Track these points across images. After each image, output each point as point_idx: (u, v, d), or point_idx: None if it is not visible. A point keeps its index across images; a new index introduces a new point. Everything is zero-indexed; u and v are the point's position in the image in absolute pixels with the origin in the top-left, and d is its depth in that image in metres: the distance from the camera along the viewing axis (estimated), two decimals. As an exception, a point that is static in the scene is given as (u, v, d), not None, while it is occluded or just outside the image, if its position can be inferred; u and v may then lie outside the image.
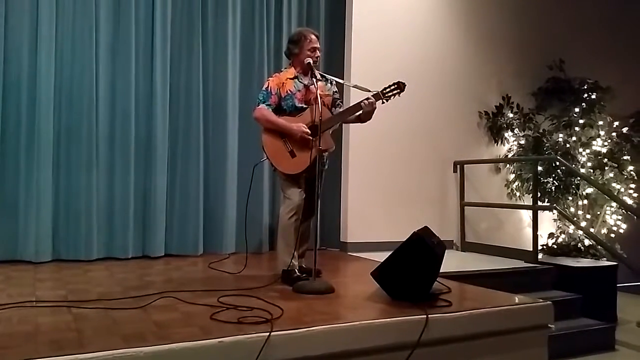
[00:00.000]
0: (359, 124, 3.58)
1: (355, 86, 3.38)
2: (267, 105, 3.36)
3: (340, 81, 3.68)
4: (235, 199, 4.72)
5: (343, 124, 4.27)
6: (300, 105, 3.37)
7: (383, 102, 3.34)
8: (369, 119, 3.46)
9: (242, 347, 2.10)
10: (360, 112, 3.35)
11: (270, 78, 3.50)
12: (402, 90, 3.34)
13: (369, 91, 3.31)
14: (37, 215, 4.01)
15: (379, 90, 3.33)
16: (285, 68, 3.57)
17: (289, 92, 3.38)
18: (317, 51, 3.41)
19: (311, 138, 3.26)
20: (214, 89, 4.74)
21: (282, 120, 3.33)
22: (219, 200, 4.71)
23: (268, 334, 2.14)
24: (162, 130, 4.46)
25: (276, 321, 2.32)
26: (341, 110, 3.48)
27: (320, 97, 3.21)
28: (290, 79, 3.41)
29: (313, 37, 3.42)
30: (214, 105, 4.74)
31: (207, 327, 2.24)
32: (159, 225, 4.42)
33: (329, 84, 3.53)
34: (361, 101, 3.32)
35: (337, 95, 3.57)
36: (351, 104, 3.43)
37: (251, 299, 2.77)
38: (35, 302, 2.68)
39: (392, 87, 3.33)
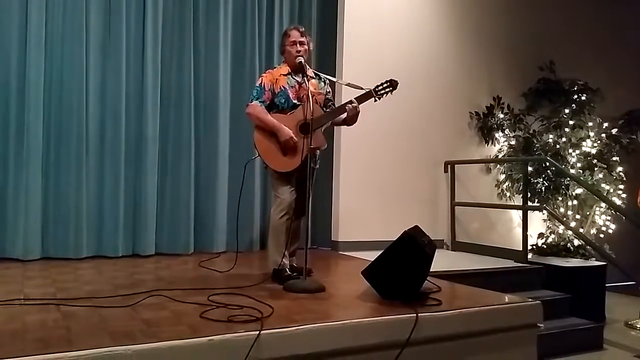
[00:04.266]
0: (346, 126, 3.58)
1: (348, 84, 3.39)
2: (260, 102, 3.35)
3: (334, 79, 3.68)
4: (226, 197, 4.71)
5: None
6: (294, 101, 3.37)
7: (375, 100, 3.34)
8: (354, 122, 3.46)
9: (232, 345, 2.09)
10: (345, 115, 3.35)
11: (263, 74, 3.49)
12: (395, 88, 3.34)
13: (362, 89, 3.31)
14: (26, 212, 3.97)
15: (372, 88, 3.33)
16: (280, 64, 3.56)
17: (282, 88, 3.37)
18: (299, 45, 3.37)
19: (297, 145, 3.26)
20: (205, 88, 4.72)
21: (273, 120, 3.31)
22: (209, 199, 4.69)
23: (258, 332, 2.14)
24: (153, 129, 4.44)
25: (266, 320, 2.32)
26: (329, 110, 3.46)
27: (313, 95, 3.21)
28: (284, 75, 3.41)
29: (294, 32, 3.42)
30: (205, 105, 4.72)
31: (197, 326, 2.23)
32: (149, 223, 4.40)
33: (322, 83, 3.53)
34: (345, 104, 3.32)
35: (329, 96, 3.57)
36: (342, 103, 3.43)
37: (241, 298, 2.76)
38: (23, 300, 2.66)
39: (385, 85, 3.33)
